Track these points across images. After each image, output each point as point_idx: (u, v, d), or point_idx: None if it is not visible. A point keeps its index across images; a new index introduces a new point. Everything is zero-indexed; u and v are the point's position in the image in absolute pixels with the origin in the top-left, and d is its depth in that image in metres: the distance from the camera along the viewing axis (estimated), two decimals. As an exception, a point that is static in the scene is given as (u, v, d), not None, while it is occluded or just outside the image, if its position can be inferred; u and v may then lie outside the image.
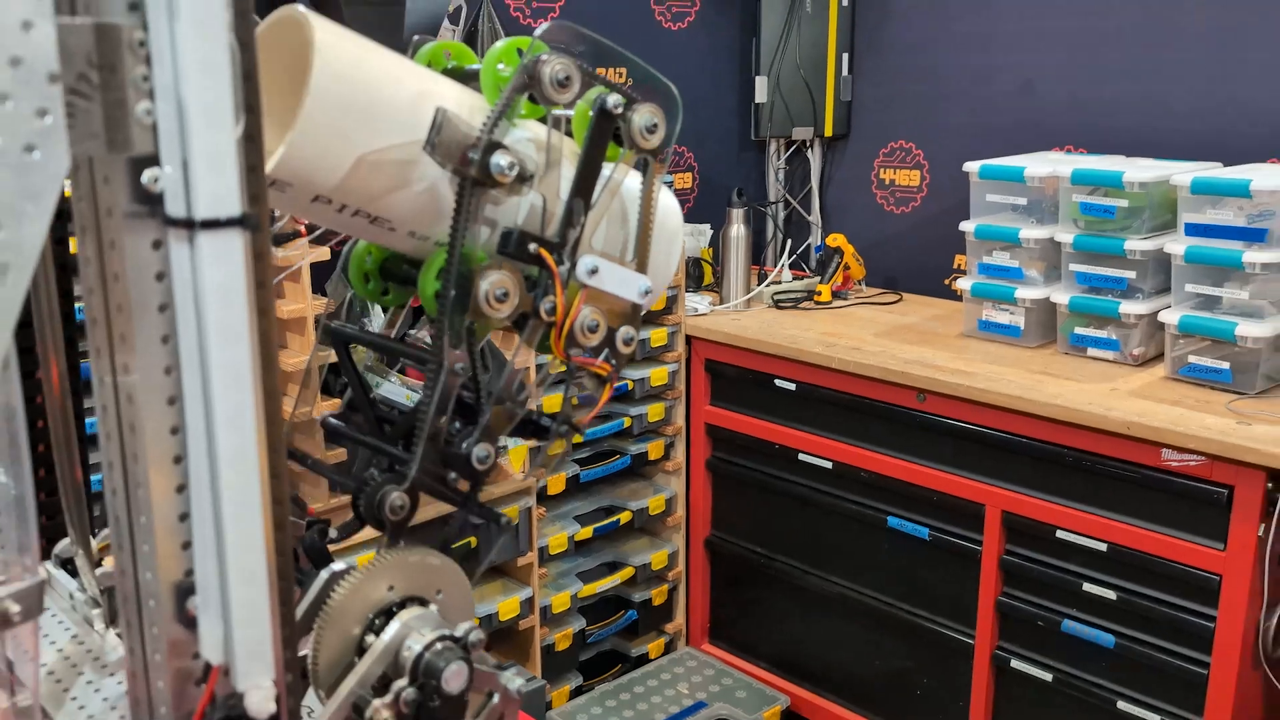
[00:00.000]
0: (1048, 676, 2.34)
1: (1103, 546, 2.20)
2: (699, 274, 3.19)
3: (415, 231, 0.95)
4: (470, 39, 2.67)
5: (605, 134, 0.97)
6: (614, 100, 0.95)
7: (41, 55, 0.47)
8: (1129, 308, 2.38)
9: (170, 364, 0.57)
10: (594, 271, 0.98)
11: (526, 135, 0.96)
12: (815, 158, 3.44)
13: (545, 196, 0.96)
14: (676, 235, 1.13)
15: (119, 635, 1.02)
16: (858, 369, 2.53)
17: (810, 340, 2.69)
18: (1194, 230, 2.27)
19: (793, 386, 2.71)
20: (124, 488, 0.61)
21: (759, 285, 3.11)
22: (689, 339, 2.91)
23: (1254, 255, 2.16)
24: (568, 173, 0.96)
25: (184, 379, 0.56)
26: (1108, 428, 2.13)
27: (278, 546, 0.61)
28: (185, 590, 0.61)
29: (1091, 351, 2.48)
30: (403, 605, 0.91)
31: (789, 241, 3.41)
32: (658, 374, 2.84)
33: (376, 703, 0.85)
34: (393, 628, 0.88)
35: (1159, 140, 2.67)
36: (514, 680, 1.00)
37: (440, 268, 0.91)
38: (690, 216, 3.29)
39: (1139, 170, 2.36)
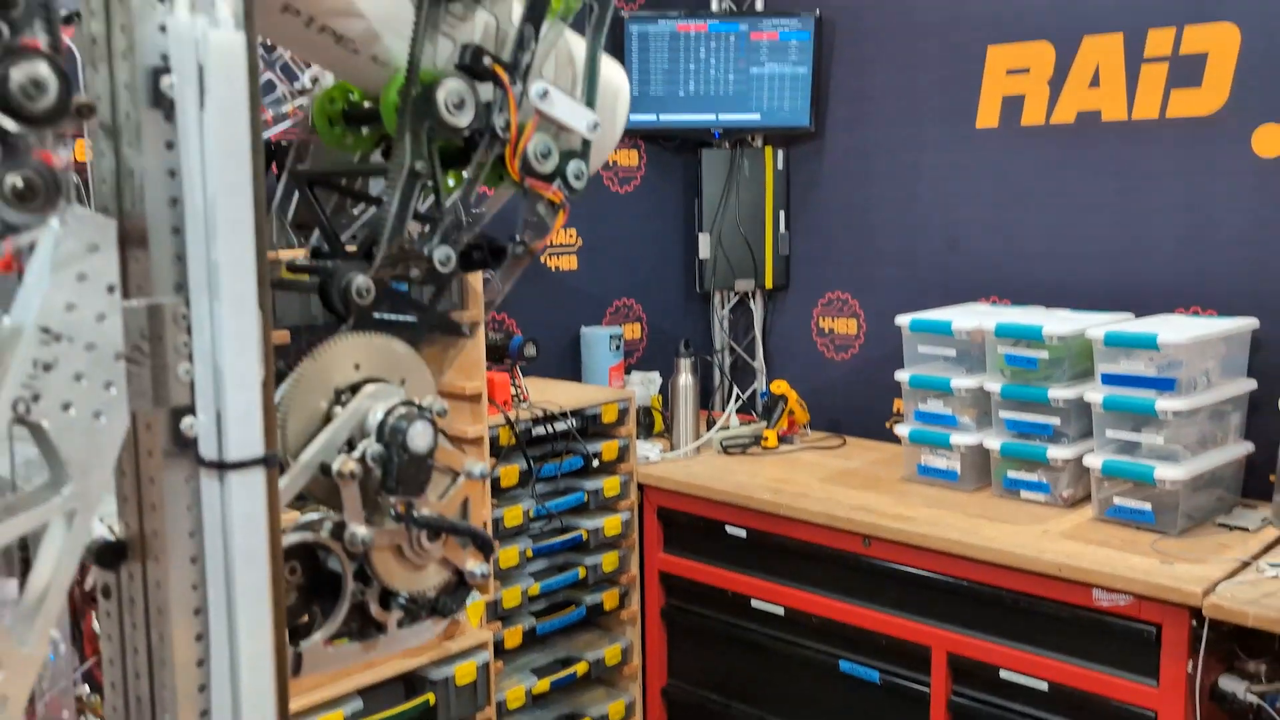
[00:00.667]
0: (1000, 817, 2.38)
1: (1044, 686, 2.29)
2: (649, 422, 3.29)
3: (378, 56, 1.02)
4: None
5: None
6: None
7: (110, 340, 0.57)
8: (1056, 452, 2.52)
9: (196, 581, 0.65)
10: (544, 95, 1.05)
11: None
12: (758, 308, 3.61)
13: (499, 18, 1.04)
14: (620, 93, 1.22)
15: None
16: (805, 516, 2.63)
17: (758, 487, 2.79)
18: (1110, 380, 2.43)
19: (743, 533, 2.80)
20: (149, 693, 0.68)
21: (708, 431, 3.22)
22: (641, 487, 3.00)
23: (1166, 403, 2.32)
24: (519, 2, 1.05)
25: (209, 599, 0.64)
26: (1041, 570, 2.24)
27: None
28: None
29: (1025, 494, 2.60)
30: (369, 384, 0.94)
31: (735, 388, 3.55)
32: (611, 523, 2.91)
33: (343, 456, 0.86)
34: (359, 397, 0.89)
35: (1076, 291, 2.86)
36: (477, 464, 1.01)
37: (401, 84, 0.98)
38: (640, 366, 3.43)
39: (1057, 323, 2.54)
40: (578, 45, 1.12)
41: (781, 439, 3.25)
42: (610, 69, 1.19)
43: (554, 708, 2.86)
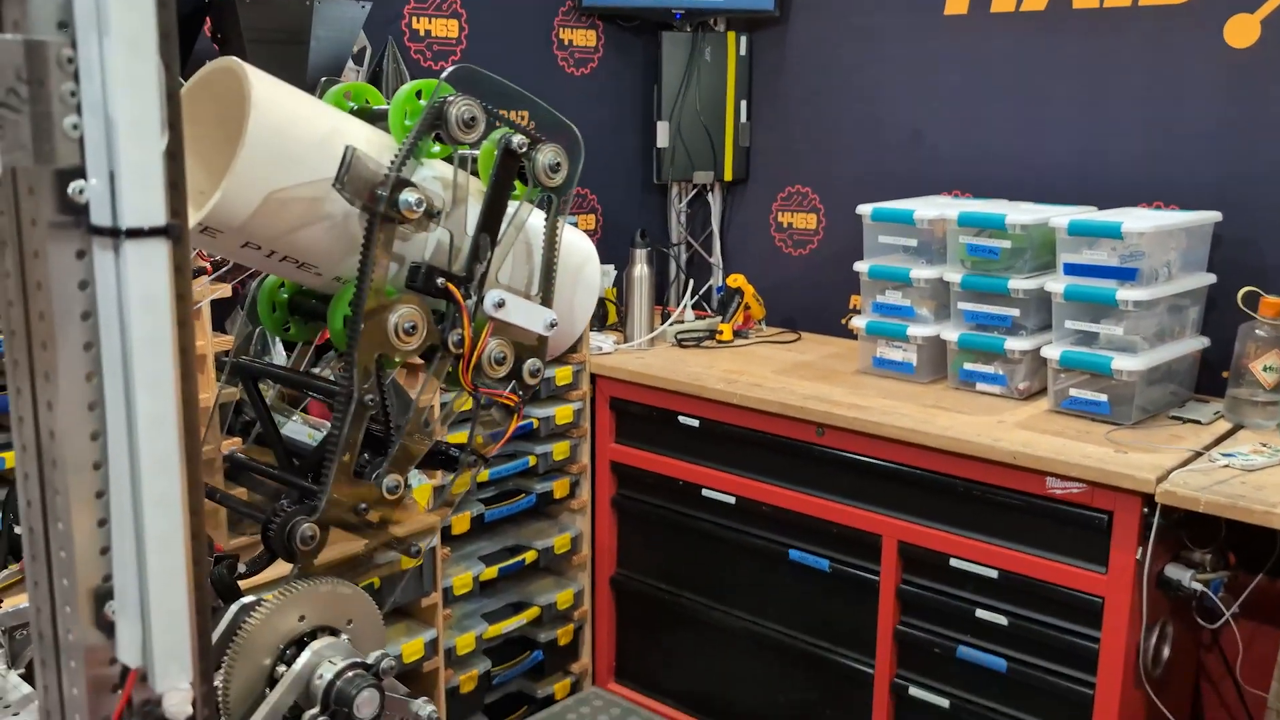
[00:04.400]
0: (945, 703, 2.40)
1: (994, 573, 2.29)
2: (603, 313, 3.23)
3: (341, 276, 0.98)
4: (375, 79, 2.70)
5: (510, 172, 1.01)
6: (518, 140, 1.00)
7: (-27, 69, 0.49)
8: (1014, 344, 2.49)
9: (91, 370, 0.58)
10: (500, 305, 1.01)
11: (433, 174, 0.99)
12: (716, 201, 3.52)
13: (452, 233, 0.99)
14: (584, 270, 1.17)
15: (20, 676, 1.00)
16: (758, 405, 2.60)
17: (712, 378, 2.75)
18: (1072, 270, 2.39)
19: (696, 423, 2.76)
20: (40, 496, 0.61)
21: (662, 325, 3.16)
22: (594, 377, 2.94)
23: (1126, 293, 2.29)
24: (474, 210, 1.00)
25: (105, 386, 0.57)
26: (995, 458, 2.22)
27: (195, 554, 0.62)
28: (103, 596, 0.61)
29: (980, 386, 2.58)
30: (314, 635, 0.92)
31: (691, 282, 3.48)
32: (563, 412, 2.86)
33: None
34: (304, 656, 0.88)
35: (1040, 186, 2.82)
36: (424, 708, 1.01)
37: (349, 301, 0.93)
38: (594, 258, 3.34)
39: (1021, 214, 2.49)
40: (536, 232, 1.06)
41: (736, 333, 3.21)
42: (573, 242, 1.14)
43: (501, 595, 2.84)
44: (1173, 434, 2.29)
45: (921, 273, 2.63)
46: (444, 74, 0.99)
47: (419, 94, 0.99)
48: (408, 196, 0.91)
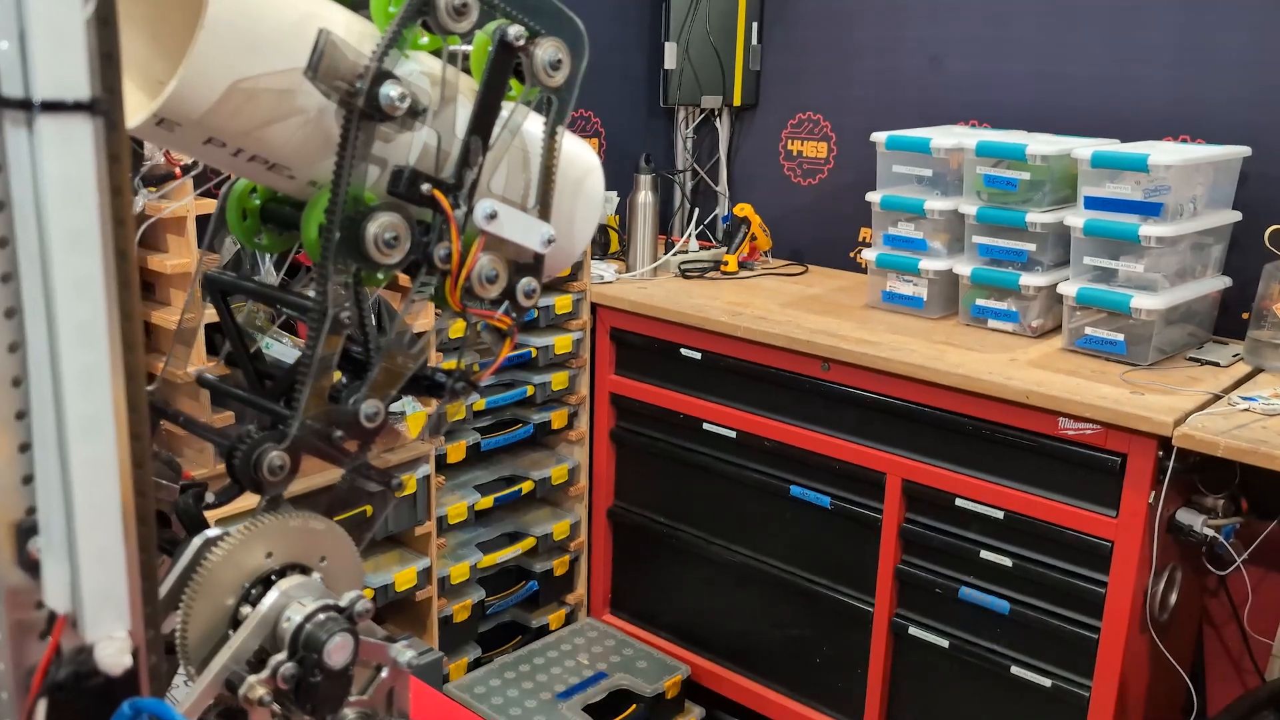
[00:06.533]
0: (944, 643, 2.36)
1: (1000, 514, 2.23)
2: (605, 241, 3.14)
3: (316, 180, 0.88)
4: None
5: (505, 68, 0.91)
6: (515, 32, 0.89)
7: None
8: (1029, 280, 2.40)
9: (8, 271, 0.50)
10: (492, 216, 0.92)
11: (420, 68, 0.89)
12: (724, 127, 3.41)
13: (440, 134, 0.89)
14: (585, 182, 1.08)
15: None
16: (763, 338, 2.52)
17: (716, 309, 2.67)
18: (1093, 204, 2.30)
19: (698, 356, 2.69)
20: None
21: (666, 254, 3.07)
22: (594, 307, 2.86)
23: (1150, 229, 2.20)
24: (464, 110, 0.90)
25: (24, 290, 0.49)
26: (1007, 396, 2.15)
27: (137, 484, 0.55)
28: (26, 531, 0.54)
29: (992, 323, 2.50)
30: (282, 574, 0.85)
31: (696, 211, 3.38)
32: (562, 342, 2.78)
33: (252, 679, 0.78)
34: (270, 596, 0.81)
35: (1061, 117, 2.71)
36: (404, 653, 0.94)
37: (325, 208, 0.84)
38: (597, 183, 3.24)
39: (1041, 144, 2.39)
40: (534, 139, 0.94)
41: (742, 264, 3.12)
42: (574, 152, 1.01)
43: (497, 525, 2.79)
44: (1190, 376, 2.22)
45: (936, 204, 2.53)
46: None
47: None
48: (389, 90, 0.81)
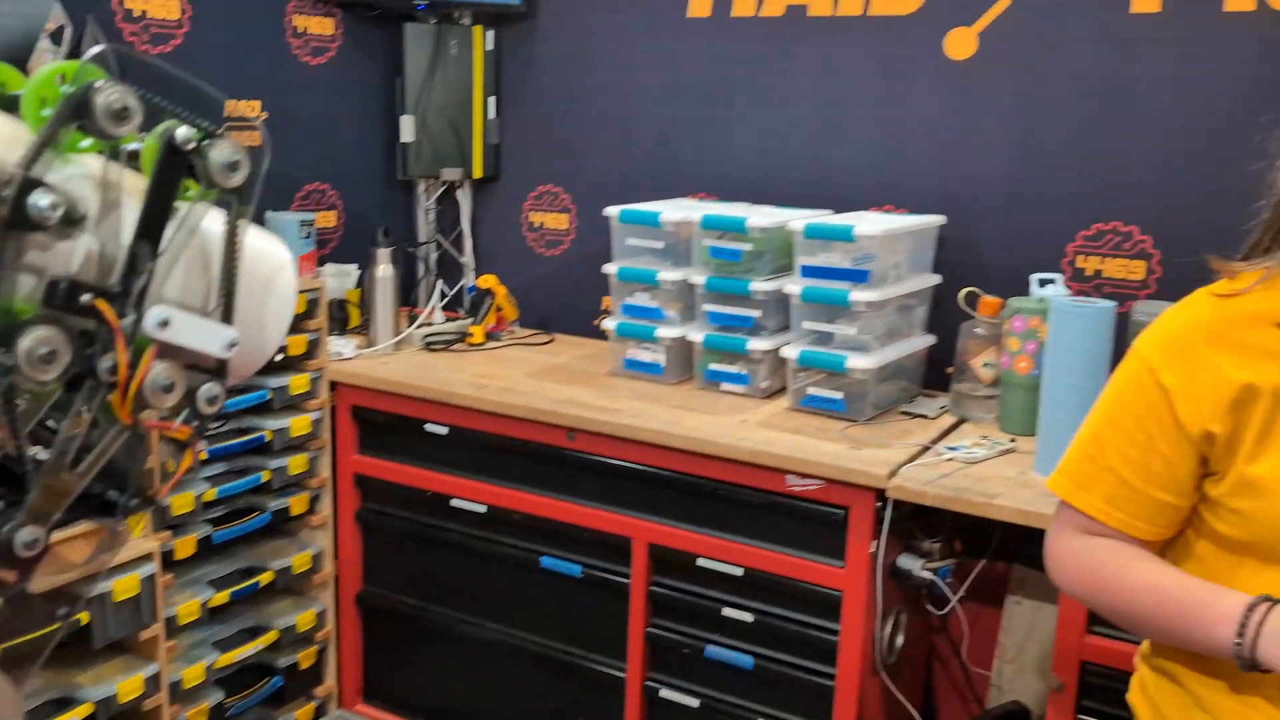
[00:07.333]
0: (694, 703, 2.41)
1: (739, 571, 2.31)
2: (344, 317, 3.07)
3: None
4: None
5: (174, 171, 0.87)
6: (184, 134, 0.86)
7: None
8: (755, 344, 2.53)
9: None
10: (165, 324, 0.87)
11: (83, 172, 0.84)
12: (466, 199, 3.42)
13: (104, 240, 0.85)
14: (275, 280, 1.04)
15: None
16: (508, 410, 2.53)
17: (462, 382, 2.65)
18: (809, 272, 2.45)
19: (444, 431, 2.66)
20: None
21: (410, 327, 3.04)
22: (333, 385, 2.78)
23: (859, 294, 2.36)
24: (132, 213, 0.86)
25: None
26: (738, 457, 2.24)
27: None
28: None
29: (725, 386, 2.61)
30: None
31: (440, 283, 3.36)
32: (299, 423, 2.69)
33: None
34: None
35: (780, 189, 2.87)
36: None
37: None
38: (336, 257, 3.17)
39: (761, 217, 2.53)
40: (215, 238, 0.91)
41: (489, 335, 3.12)
42: (262, 250, 0.98)
43: (235, 621, 2.64)
44: (903, 429, 2.39)
45: (668, 274, 2.63)
46: (87, 55, 0.85)
47: (61, 78, 0.85)
48: (38, 200, 0.76)
